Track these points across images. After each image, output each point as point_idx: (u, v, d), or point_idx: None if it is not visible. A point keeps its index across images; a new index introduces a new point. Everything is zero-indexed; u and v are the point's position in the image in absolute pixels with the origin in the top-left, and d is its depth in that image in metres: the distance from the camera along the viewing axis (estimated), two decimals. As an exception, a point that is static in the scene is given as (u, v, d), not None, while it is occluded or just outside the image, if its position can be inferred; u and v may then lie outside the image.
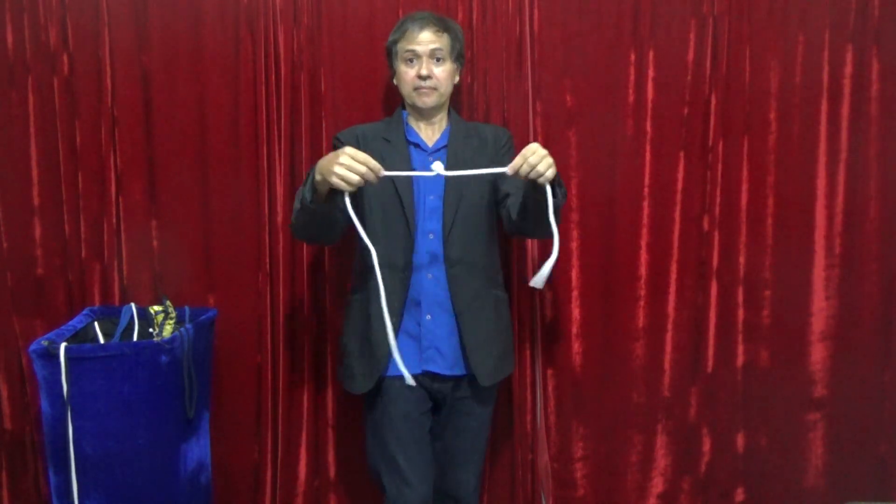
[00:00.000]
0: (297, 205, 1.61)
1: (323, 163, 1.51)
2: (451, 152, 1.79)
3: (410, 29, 1.75)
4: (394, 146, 1.78)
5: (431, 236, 1.75)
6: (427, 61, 1.75)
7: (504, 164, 1.70)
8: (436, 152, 1.80)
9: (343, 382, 1.84)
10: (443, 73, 1.77)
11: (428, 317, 1.74)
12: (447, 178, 1.72)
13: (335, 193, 1.54)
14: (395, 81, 1.84)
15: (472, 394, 1.80)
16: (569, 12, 2.07)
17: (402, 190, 1.73)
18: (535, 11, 2.06)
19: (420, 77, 1.75)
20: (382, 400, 1.76)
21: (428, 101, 1.77)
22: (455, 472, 1.86)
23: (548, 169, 1.50)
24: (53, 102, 2.05)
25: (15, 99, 2.05)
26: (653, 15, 2.08)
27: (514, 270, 2.11)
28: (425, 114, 1.80)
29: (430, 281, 1.75)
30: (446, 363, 1.76)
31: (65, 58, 2.04)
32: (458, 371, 1.77)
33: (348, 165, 1.45)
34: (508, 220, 1.76)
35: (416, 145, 1.81)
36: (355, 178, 1.46)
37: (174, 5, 2.04)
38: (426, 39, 1.75)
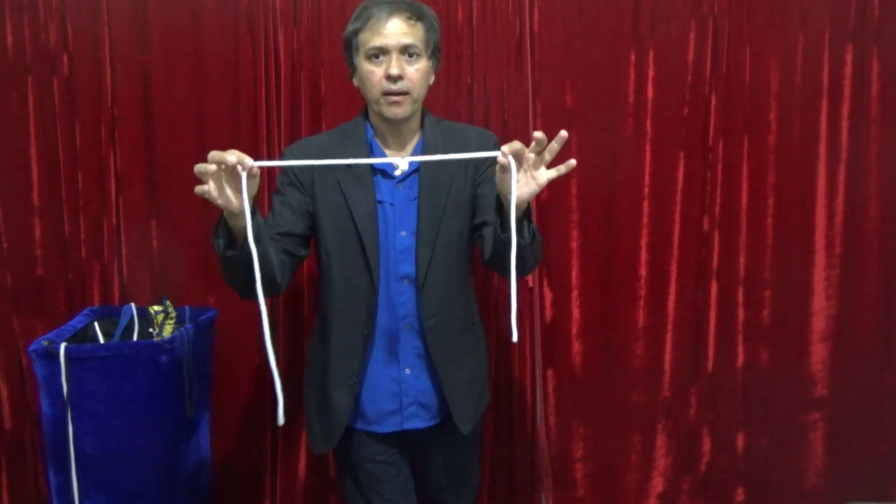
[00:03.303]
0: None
1: None
2: (424, 177, 1.50)
3: (376, 17, 1.42)
4: (355, 172, 1.49)
5: (406, 281, 1.51)
6: (398, 58, 1.42)
7: (488, 180, 1.52)
8: (405, 179, 1.51)
9: (306, 434, 1.68)
10: (417, 73, 1.45)
11: (407, 371, 1.55)
12: (421, 209, 1.48)
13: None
14: (354, 82, 1.53)
15: (452, 432, 1.60)
16: (569, 12, 2.07)
17: (363, 225, 1.47)
18: (535, 11, 2.06)
19: (389, 77, 1.42)
20: (350, 448, 1.60)
21: (399, 111, 1.45)
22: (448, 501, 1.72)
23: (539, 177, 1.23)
24: (53, 102, 2.05)
25: (15, 99, 2.05)
26: (653, 15, 2.08)
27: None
28: (395, 124, 1.49)
29: (408, 332, 1.54)
30: (429, 415, 1.58)
31: (65, 58, 2.04)
32: (440, 418, 1.60)
33: (211, 157, 1.13)
34: (481, 255, 1.50)
35: (383, 172, 1.51)
36: (212, 167, 1.13)
37: (174, 5, 2.04)
38: (396, 31, 1.41)
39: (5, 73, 2.04)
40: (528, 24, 2.06)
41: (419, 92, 1.48)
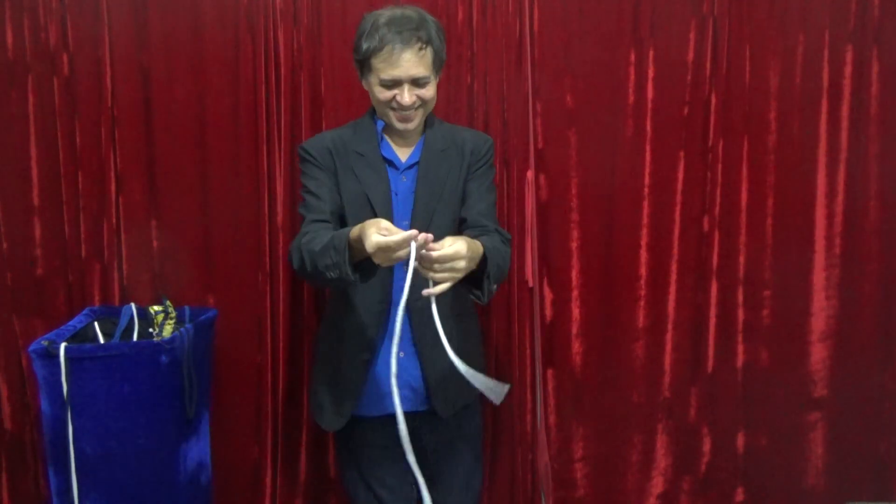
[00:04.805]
0: (316, 261, 1.42)
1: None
2: (423, 170, 1.62)
3: (389, 47, 1.49)
4: (368, 162, 1.61)
5: (405, 267, 1.58)
6: (409, 88, 1.53)
7: (477, 179, 1.63)
8: (407, 169, 1.64)
9: (313, 413, 1.74)
10: (427, 92, 1.55)
11: (401, 354, 1.60)
12: (417, 200, 1.60)
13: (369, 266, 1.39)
14: (364, 85, 1.63)
15: (454, 427, 1.68)
16: (569, 12, 2.07)
17: (380, 211, 1.57)
18: (535, 11, 2.06)
19: (401, 105, 1.54)
20: (355, 436, 1.66)
21: (410, 125, 1.58)
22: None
23: (444, 278, 1.37)
24: (53, 102, 2.05)
25: (15, 99, 2.05)
26: (653, 15, 2.08)
27: (513, 269, 2.10)
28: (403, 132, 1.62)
29: (403, 316, 1.59)
30: (417, 399, 1.64)
31: (65, 58, 2.04)
32: (428, 405, 1.65)
33: (385, 255, 1.31)
34: None
35: (391, 162, 1.63)
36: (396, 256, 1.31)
37: (174, 5, 2.04)
38: (408, 63, 1.50)
39: (5, 73, 2.04)
40: (528, 24, 2.06)
41: (429, 105, 1.60)
